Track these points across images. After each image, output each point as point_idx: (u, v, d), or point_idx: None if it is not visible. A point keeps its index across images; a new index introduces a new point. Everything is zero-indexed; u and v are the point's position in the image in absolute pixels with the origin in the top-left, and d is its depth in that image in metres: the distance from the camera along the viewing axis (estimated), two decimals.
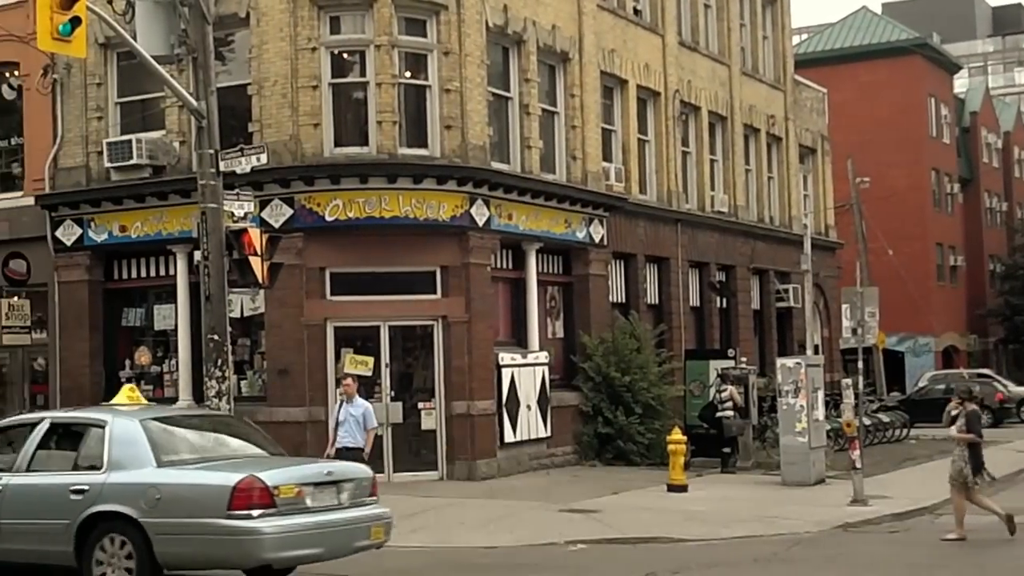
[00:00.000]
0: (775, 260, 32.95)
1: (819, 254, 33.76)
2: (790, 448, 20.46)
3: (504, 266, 22.72)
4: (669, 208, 27.83)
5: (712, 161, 30.51)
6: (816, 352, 29.61)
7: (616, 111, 26.47)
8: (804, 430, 20.29)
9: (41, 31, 13.30)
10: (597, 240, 24.60)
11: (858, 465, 17.92)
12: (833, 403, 26.75)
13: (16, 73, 22.95)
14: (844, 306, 26.15)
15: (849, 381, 21.08)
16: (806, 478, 20.15)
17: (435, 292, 21.01)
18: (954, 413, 14.76)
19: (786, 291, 32.56)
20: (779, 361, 22.11)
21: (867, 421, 27.55)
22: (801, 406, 20.38)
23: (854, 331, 25.33)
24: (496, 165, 21.79)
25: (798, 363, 21.14)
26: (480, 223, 21.02)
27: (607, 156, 25.65)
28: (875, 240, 41.68)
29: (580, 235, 24.12)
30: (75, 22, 13.45)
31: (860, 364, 26.12)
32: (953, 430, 14.71)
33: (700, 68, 29.69)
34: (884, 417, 30.15)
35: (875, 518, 16.73)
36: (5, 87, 23.29)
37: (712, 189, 30.25)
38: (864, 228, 41.80)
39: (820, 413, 21.17)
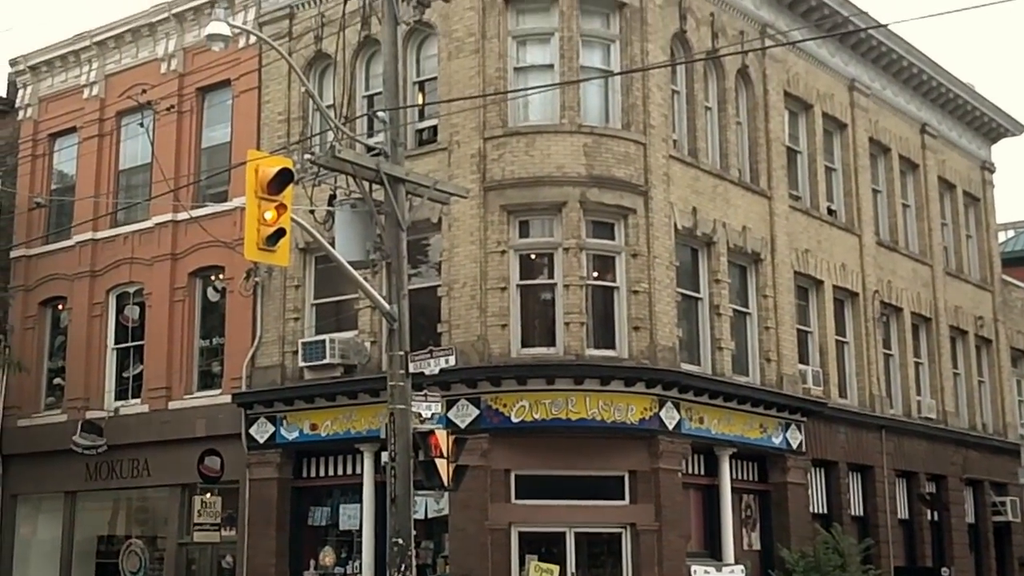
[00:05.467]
0: (990, 470, 30.95)
1: None
2: None
3: (696, 472, 21.94)
4: (872, 413, 26.56)
5: (917, 364, 29.21)
6: None
7: (812, 312, 25.74)
8: None
9: (248, 242, 13.78)
10: (795, 446, 23.59)
11: None
12: None
13: (221, 276, 24.03)
14: None
15: None
16: None
17: (623, 498, 20.35)
18: None
19: (1003, 504, 30.58)
20: None
21: None
22: None
23: None
24: (686, 367, 21.31)
25: None
26: (670, 427, 20.45)
27: (803, 358, 24.83)
28: None
29: (776, 440, 23.18)
30: (280, 233, 13.92)
31: None
32: None
33: (900, 268, 28.80)
34: None
35: None
36: (210, 290, 24.43)
37: (918, 394, 28.85)
38: None
39: None
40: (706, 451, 22.05)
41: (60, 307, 27.09)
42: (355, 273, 16.63)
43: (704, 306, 22.42)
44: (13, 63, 28.31)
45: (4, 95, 28.64)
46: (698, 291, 22.40)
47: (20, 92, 28.35)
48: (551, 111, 20.78)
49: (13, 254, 27.45)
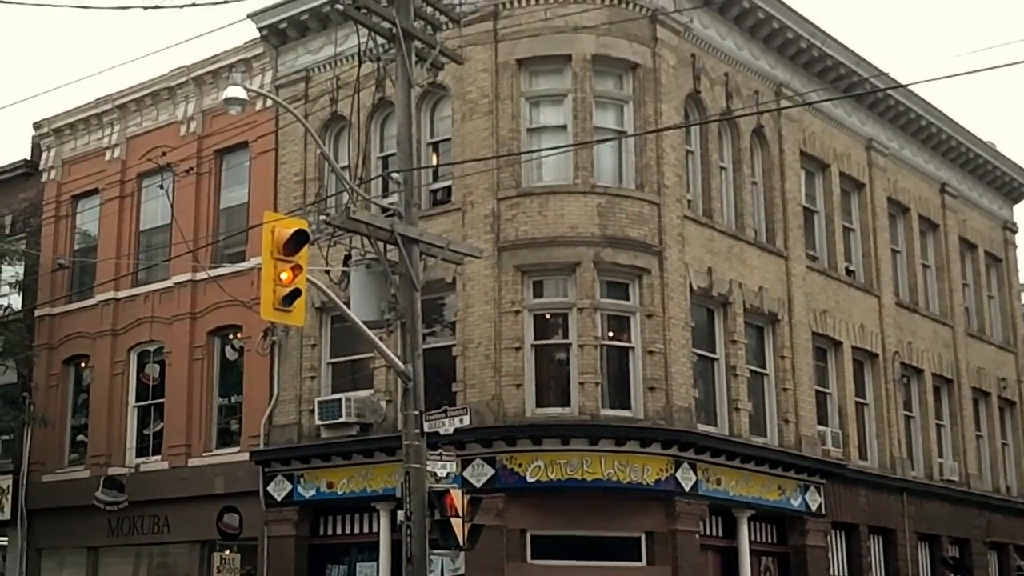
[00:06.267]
0: (1014, 534, 30.53)
1: None
2: None
3: (713, 533, 21.78)
4: (893, 476, 26.32)
5: (939, 426, 28.98)
6: None
7: (831, 373, 25.61)
8: None
9: (264, 303, 13.94)
10: (814, 508, 23.40)
11: None
12: None
13: (239, 335, 24.25)
14: None
15: None
16: None
17: (640, 559, 20.18)
18: None
19: None
20: None
21: None
22: None
23: None
24: (702, 428, 21.26)
25: None
26: (687, 488, 20.35)
27: (822, 420, 24.68)
28: None
29: (795, 503, 23.00)
30: (295, 294, 14.07)
31: None
32: None
33: (921, 329, 28.65)
34: None
35: None
36: (228, 348, 24.66)
37: (940, 456, 28.59)
38: None
39: None
40: (724, 513, 21.91)
41: (83, 365, 27.35)
42: (370, 333, 16.71)
43: (721, 367, 22.37)
44: (37, 126, 28.82)
45: (28, 157, 29.14)
46: (714, 351, 22.36)
47: (44, 154, 28.83)
48: (564, 171, 20.93)
49: (37, 313, 27.78)
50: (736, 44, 23.81)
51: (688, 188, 22.32)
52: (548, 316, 20.89)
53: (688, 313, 21.30)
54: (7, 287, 28.56)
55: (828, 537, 23.93)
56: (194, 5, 15.26)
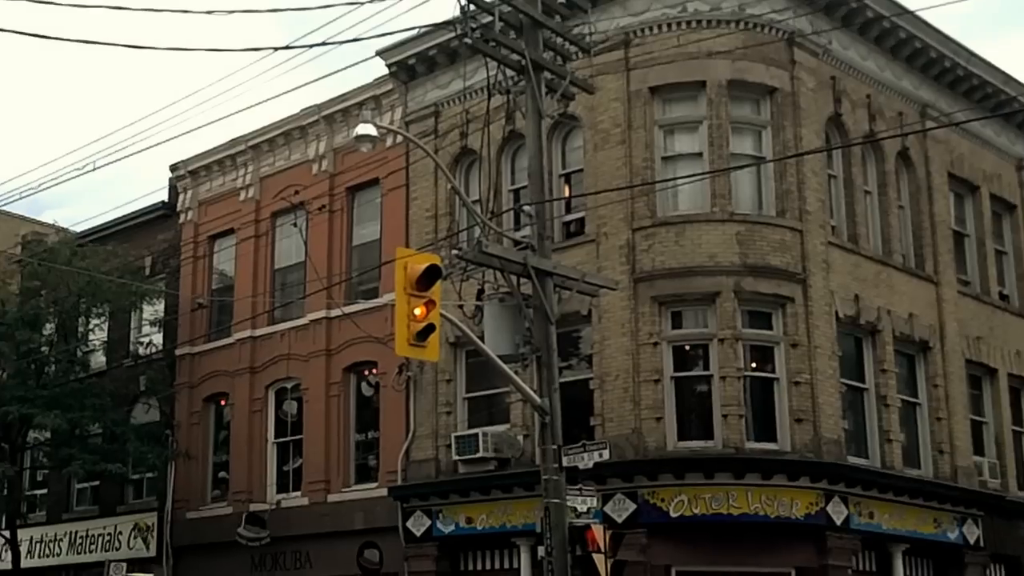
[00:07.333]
0: None
1: None
2: None
3: (867, 569, 20.99)
4: None
5: None
6: None
7: (986, 401, 24.63)
8: None
9: (399, 339, 13.91)
10: (972, 542, 22.46)
11: None
12: None
13: (374, 371, 24.27)
14: None
15: None
16: None
17: None
18: None
19: None
20: None
21: None
22: None
23: None
24: (853, 460, 20.56)
25: None
26: (838, 522, 19.68)
27: (978, 450, 23.73)
28: None
29: (952, 536, 22.10)
30: (429, 329, 13.99)
31: None
32: None
33: None
34: None
35: None
36: (364, 384, 24.71)
37: None
38: None
39: None
40: (877, 547, 21.14)
41: (223, 403, 27.74)
42: (505, 367, 16.48)
43: (871, 397, 21.64)
44: (174, 168, 29.41)
45: (166, 199, 29.79)
46: (864, 381, 21.63)
47: (181, 196, 29.37)
48: (701, 200, 20.47)
49: (178, 352, 28.29)
50: (878, 65, 23.05)
51: (832, 214, 21.67)
52: (688, 347, 20.42)
53: (835, 342, 20.62)
54: (148, 327, 29.17)
55: (987, 570, 23.07)
56: (323, 44, 15.30)
